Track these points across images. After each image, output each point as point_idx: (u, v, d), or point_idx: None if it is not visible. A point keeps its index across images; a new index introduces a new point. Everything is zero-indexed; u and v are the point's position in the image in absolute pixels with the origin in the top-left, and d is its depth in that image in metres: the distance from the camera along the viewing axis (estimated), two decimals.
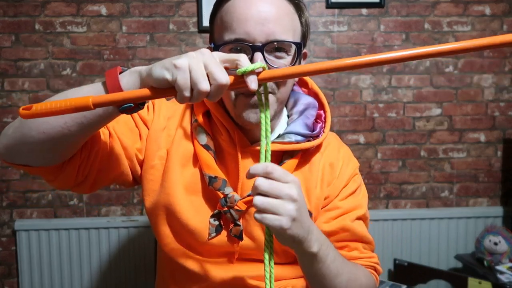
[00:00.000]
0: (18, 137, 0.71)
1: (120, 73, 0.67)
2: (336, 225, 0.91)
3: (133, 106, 0.66)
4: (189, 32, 2.00)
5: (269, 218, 0.65)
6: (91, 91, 0.67)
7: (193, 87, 0.59)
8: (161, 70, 0.60)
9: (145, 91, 0.61)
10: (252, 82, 0.63)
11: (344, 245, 0.92)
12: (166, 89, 0.61)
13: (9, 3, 1.93)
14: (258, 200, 0.65)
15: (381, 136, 2.11)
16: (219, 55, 0.63)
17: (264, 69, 0.64)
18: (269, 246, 0.70)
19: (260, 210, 0.65)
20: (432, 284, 1.98)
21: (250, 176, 0.67)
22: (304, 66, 0.63)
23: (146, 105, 0.85)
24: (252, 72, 0.62)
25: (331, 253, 0.76)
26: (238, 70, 0.63)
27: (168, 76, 0.59)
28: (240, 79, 0.63)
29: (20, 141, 0.71)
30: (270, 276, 0.69)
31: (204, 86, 0.59)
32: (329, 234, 0.89)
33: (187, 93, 0.59)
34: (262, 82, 0.65)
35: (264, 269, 0.69)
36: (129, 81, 0.65)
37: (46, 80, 1.97)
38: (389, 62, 0.59)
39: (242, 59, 0.63)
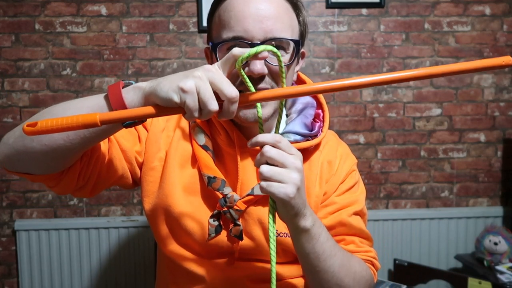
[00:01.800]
0: (19, 148, 0.70)
1: (123, 87, 0.67)
2: (333, 220, 0.90)
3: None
4: (189, 32, 2.00)
5: (275, 186, 0.66)
6: (94, 105, 0.67)
7: (202, 108, 0.59)
8: (167, 92, 0.60)
9: (151, 109, 0.61)
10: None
11: (340, 239, 0.91)
12: (173, 108, 0.61)
13: (9, 3, 1.93)
14: (265, 168, 0.66)
15: (381, 136, 2.11)
16: (219, 64, 0.63)
17: (257, 53, 0.62)
18: (273, 219, 0.70)
19: (266, 178, 0.66)
20: (432, 284, 1.98)
21: (253, 144, 0.68)
22: (302, 87, 0.64)
23: None
24: (255, 56, 0.62)
25: (324, 233, 0.77)
26: (237, 62, 0.63)
27: (176, 99, 0.59)
28: (245, 97, 0.63)
29: (21, 152, 0.71)
30: (273, 259, 0.70)
31: (214, 106, 0.59)
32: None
33: (196, 114, 0.59)
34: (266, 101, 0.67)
35: (269, 240, 0.70)
36: (134, 98, 0.65)
37: (46, 80, 1.97)
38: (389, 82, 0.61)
39: (235, 51, 0.62)
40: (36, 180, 0.77)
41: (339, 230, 0.91)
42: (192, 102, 0.58)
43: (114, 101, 0.64)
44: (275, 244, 0.70)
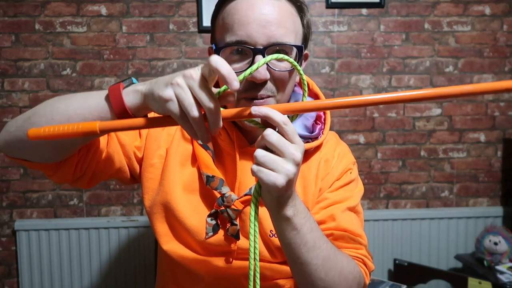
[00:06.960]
0: (20, 137, 0.72)
1: (125, 87, 0.67)
2: (324, 214, 0.89)
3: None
4: (189, 32, 2.00)
5: (265, 172, 0.62)
6: (95, 105, 0.68)
7: (187, 116, 0.58)
8: (154, 102, 0.60)
9: (149, 121, 0.62)
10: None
11: (329, 233, 0.89)
12: (166, 117, 0.61)
13: (9, 3, 1.93)
14: (260, 152, 0.63)
15: (381, 136, 2.11)
16: (202, 67, 0.60)
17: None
18: (255, 203, 0.67)
19: (259, 163, 0.63)
20: (432, 284, 1.98)
21: (261, 116, 0.63)
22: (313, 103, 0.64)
23: None
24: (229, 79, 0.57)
25: (309, 224, 0.73)
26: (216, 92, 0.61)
27: (160, 110, 0.59)
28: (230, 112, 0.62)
29: (22, 141, 0.72)
30: (254, 240, 0.67)
31: (195, 113, 0.57)
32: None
33: (184, 122, 0.59)
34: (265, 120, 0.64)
35: (249, 226, 0.67)
36: (133, 101, 0.65)
37: (46, 80, 1.97)
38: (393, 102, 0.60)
39: (213, 60, 0.57)
40: (34, 167, 0.78)
41: (329, 225, 0.89)
42: (174, 109, 0.58)
43: (115, 103, 0.65)
44: (257, 240, 0.67)
